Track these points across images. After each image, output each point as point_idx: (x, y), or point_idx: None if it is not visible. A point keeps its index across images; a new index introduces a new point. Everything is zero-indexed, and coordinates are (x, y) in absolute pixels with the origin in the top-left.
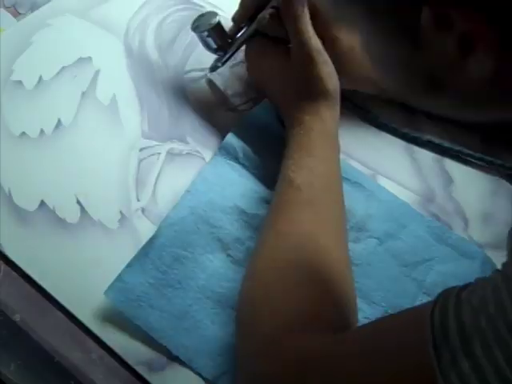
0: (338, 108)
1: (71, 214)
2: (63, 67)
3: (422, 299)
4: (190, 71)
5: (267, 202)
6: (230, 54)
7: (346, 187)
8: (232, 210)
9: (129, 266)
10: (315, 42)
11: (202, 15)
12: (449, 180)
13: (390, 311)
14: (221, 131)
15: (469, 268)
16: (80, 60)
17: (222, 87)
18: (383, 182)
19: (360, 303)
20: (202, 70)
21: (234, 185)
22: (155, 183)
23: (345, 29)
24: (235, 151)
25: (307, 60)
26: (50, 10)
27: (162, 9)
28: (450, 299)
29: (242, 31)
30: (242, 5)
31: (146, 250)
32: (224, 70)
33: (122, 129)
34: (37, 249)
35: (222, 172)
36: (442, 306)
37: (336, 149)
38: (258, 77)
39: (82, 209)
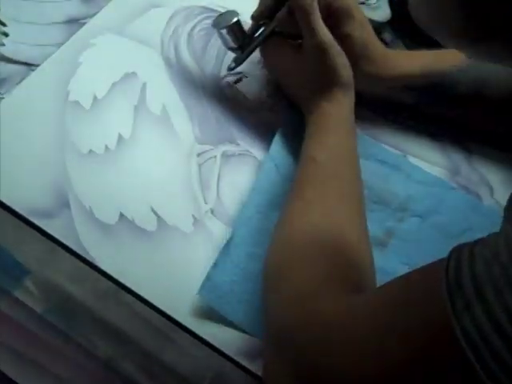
0: (353, 94)
1: (149, 223)
2: (113, 84)
3: None
4: (226, 76)
5: None
6: (247, 52)
7: (384, 170)
8: None
9: (214, 266)
10: (326, 35)
11: (222, 14)
12: (469, 153)
13: None
14: (265, 130)
15: None
16: (126, 75)
17: (257, 89)
18: (413, 161)
19: None
20: (237, 74)
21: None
22: (217, 185)
23: (357, 26)
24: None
25: (320, 52)
26: (90, 30)
27: (189, 19)
28: (463, 254)
29: (260, 30)
30: (261, 3)
31: (226, 250)
32: (257, 72)
33: (176, 136)
34: (125, 258)
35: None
36: (456, 260)
37: (353, 130)
38: (276, 73)
39: (158, 217)
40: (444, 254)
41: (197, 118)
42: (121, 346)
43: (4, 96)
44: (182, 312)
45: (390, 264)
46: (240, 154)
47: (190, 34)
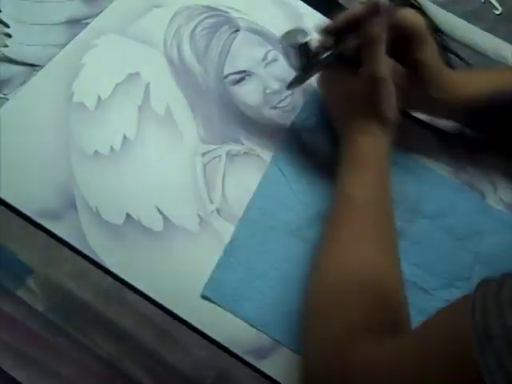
0: (394, 132)
1: (155, 223)
2: (116, 84)
3: (479, 269)
4: (228, 75)
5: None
6: (310, 75)
7: (395, 171)
8: (299, 204)
9: (218, 266)
10: (383, 69)
11: (292, 30)
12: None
13: (454, 282)
14: (269, 128)
15: None
16: (130, 76)
17: (260, 87)
18: (415, 158)
19: (425, 276)
20: (239, 72)
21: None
22: (223, 184)
23: (429, 53)
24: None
25: (373, 87)
26: (92, 31)
27: (190, 18)
28: (489, 299)
29: (325, 54)
30: (335, 20)
31: (230, 251)
32: (259, 70)
33: (181, 136)
34: (132, 258)
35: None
36: (483, 309)
37: (390, 170)
38: (329, 98)
39: (164, 217)
40: (452, 255)
41: (201, 117)
42: (123, 345)
43: (8, 97)
44: (189, 311)
45: None
46: (245, 153)
47: (192, 34)
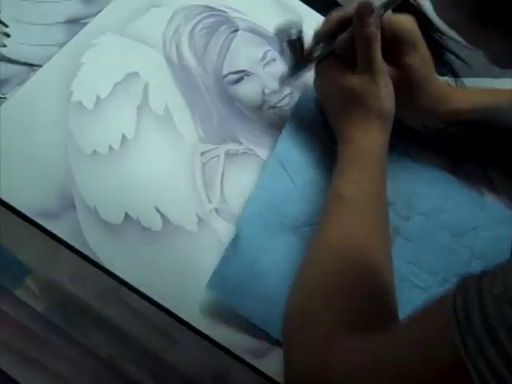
0: (389, 129)
1: (154, 223)
2: (115, 84)
3: (476, 265)
4: (227, 74)
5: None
6: (303, 68)
7: (390, 168)
8: (301, 198)
9: (222, 260)
10: (380, 63)
11: (287, 22)
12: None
13: (449, 279)
14: (268, 128)
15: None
16: (128, 75)
17: (259, 87)
18: (415, 156)
19: (421, 273)
20: (238, 72)
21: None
22: (221, 184)
23: (419, 59)
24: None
25: (369, 79)
26: (91, 31)
27: (189, 18)
28: (470, 290)
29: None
30: (326, 22)
31: (233, 246)
32: (258, 70)
33: (180, 136)
34: (130, 258)
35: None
36: (464, 298)
37: (385, 168)
38: (323, 95)
39: (163, 216)
40: (448, 252)
41: (199, 117)
42: (122, 345)
43: (6, 97)
44: (188, 311)
45: (395, 263)
46: (243, 153)
47: (191, 33)
